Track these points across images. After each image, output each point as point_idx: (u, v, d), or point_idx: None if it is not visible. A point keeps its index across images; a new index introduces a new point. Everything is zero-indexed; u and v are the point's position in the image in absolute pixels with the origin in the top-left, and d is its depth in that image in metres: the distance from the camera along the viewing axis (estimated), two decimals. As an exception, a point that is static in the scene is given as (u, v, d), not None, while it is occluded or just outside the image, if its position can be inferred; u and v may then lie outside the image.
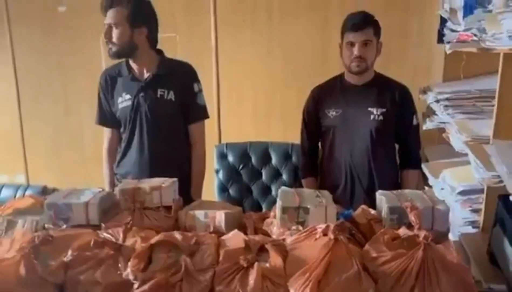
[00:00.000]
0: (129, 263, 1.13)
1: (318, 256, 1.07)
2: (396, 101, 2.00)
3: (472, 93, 1.95)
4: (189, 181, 2.11)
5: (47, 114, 3.31)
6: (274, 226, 1.36)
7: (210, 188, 2.44)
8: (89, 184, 1.68)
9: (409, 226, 1.25)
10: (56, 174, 3.32)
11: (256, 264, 1.10)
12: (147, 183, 1.53)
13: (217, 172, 2.47)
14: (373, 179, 2.02)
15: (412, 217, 1.14)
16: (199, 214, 1.43)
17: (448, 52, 1.89)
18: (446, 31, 2.03)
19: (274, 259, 1.12)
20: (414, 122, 2.05)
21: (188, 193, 2.07)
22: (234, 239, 1.22)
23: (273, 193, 2.43)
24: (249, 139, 2.50)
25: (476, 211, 1.58)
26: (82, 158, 3.25)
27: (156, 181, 1.56)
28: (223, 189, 2.46)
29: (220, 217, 1.41)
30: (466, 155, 1.89)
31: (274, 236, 1.33)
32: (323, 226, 1.17)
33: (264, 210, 2.42)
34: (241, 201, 2.43)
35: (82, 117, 3.17)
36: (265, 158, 2.44)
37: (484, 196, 1.55)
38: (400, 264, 1.06)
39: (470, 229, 1.56)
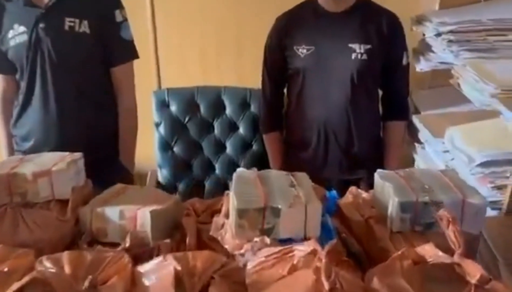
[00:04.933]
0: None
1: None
2: (384, 34, 1.64)
3: (483, 24, 1.52)
4: (116, 142, 1.73)
5: None
6: (227, 232, 0.90)
7: (148, 147, 2.05)
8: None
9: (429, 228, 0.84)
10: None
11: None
12: (33, 164, 1.02)
13: (157, 125, 2.08)
14: (352, 134, 1.71)
15: (452, 236, 0.70)
16: (112, 212, 0.95)
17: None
18: None
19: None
20: (404, 62, 1.71)
21: (115, 159, 1.71)
22: (160, 271, 0.74)
23: (228, 150, 2.08)
24: (197, 84, 2.10)
25: (499, 188, 1.20)
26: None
27: (49, 159, 1.05)
28: (165, 147, 2.08)
29: (143, 216, 0.94)
30: (469, 102, 1.51)
31: (227, 247, 0.88)
32: (303, 247, 0.71)
33: (217, 170, 2.09)
34: (189, 161, 2.09)
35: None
36: (218, 107, 2.07)
37: (513, 167, 1.16)
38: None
39: (489, 211, 1.19)
